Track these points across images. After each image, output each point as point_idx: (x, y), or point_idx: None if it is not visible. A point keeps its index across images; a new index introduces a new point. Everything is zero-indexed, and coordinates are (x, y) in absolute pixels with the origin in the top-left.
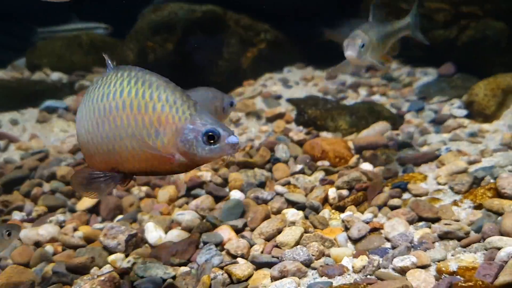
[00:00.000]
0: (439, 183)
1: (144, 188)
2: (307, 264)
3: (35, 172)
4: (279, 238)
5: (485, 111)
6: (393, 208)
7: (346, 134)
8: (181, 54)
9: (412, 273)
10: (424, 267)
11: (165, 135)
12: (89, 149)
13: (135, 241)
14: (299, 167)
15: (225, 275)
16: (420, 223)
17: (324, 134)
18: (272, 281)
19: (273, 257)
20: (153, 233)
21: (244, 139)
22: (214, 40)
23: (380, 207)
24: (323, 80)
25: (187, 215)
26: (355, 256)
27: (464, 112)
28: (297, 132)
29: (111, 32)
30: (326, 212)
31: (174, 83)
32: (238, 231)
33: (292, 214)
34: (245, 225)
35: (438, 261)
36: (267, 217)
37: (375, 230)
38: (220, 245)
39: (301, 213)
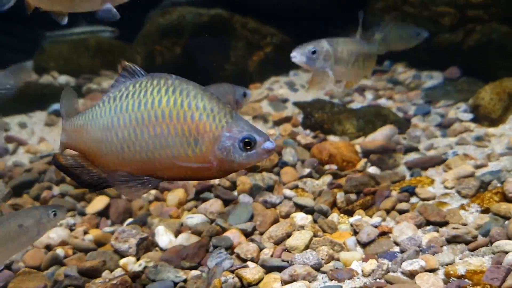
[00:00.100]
0: (446, 187)
1: (153, 192)
2: (317, 268)
3: (44, 175)
4: (289, 242)
5: (491, 115)
6: (401, 212)
7: (353, 138)
8: (188, 57)
9: (421, 277)
10: (433, 270)
11: (203, 143)
12: (123, 156)
13: (146, 245)
14: (307, 170)
15: (236, 279)
16: (428, 227)
17: (331, 137)
18: (282, 285)
19: (283, 261)
20: (164, 237)
21: None
22: (221, 44)
23: (388, 211)
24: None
25: (196, 218)
26: (364, 260)
27: (470, 116)
28: (305, 136)
29: (117, 35)
30: (335, 216)
31: (210, 91)
32: (247, 234)
33: (301, 218)
34: (254, 228)
35: (446, 265)
36: (276, 221)
37: (384, 234)
38: (230, 248)
39: (310, 217)
